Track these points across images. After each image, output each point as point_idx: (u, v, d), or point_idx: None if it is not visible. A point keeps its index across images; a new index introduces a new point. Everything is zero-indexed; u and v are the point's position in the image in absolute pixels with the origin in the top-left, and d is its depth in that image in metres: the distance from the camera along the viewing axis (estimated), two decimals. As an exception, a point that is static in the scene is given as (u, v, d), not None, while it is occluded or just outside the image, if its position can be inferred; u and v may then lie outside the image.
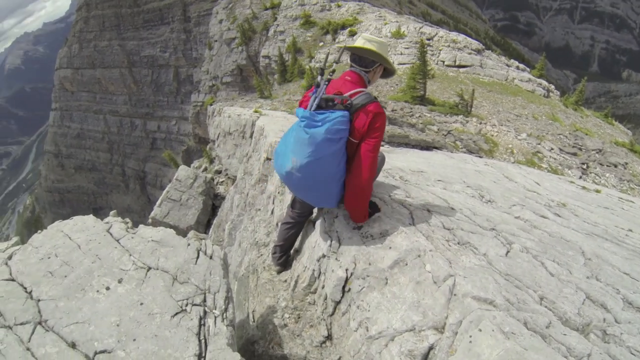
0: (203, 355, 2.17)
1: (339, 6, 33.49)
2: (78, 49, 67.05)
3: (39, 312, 2.24)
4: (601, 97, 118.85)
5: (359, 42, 2.57)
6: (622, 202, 5.37)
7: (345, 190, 2.58)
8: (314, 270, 2.93)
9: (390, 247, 2.50)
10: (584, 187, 5.94)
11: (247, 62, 38.06)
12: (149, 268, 2.65)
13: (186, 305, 2.44)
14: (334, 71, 2.56)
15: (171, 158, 15.57)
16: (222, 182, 12.54)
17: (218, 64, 43.23)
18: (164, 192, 12.19)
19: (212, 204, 11.81)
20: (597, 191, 5.77)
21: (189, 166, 13.72)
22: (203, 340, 2.26)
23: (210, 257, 2.88)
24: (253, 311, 3.80)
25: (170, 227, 11.42)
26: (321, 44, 28.69)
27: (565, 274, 2.35)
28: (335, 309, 2.61)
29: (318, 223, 3.16)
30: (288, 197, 4.03)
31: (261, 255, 4.19)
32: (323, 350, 2.61)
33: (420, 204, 3.12)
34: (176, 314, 2.35)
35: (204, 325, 2.34)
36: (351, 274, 2.54)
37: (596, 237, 3.28)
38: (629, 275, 2.48)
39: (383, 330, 2.12)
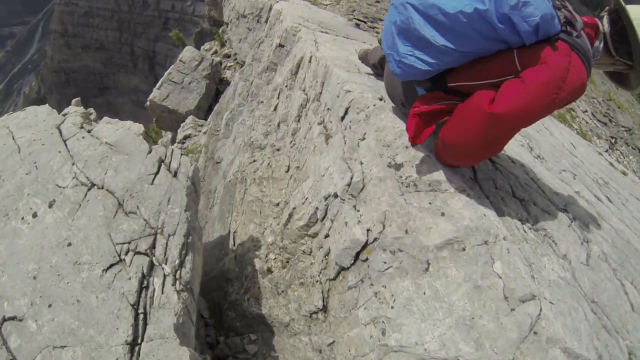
0: (138, 341, 1.42)
1: None
2: None
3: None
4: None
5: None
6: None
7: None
8: (317, 208, 1.98)
9: (443, 214, 1.52)
10: (611, 164, 5.26)
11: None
12: (92, 185, 1.83)
13: (126, 252, 1.61)
14: None
15: (179, 38, 14.13)
16: (230, 66, 11.58)
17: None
18: (165, 73, 11.37)
19: (217, 88, 10.99)
20: (624, 173, 5.16)
21: (199, 49, 12.72)
22: (142, 316, 1.47)
23: (175, 175, 1.97)
24: (235, 232, 3.07)
25: (169, 111, 10.85)
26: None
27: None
28: (338, 274, 1.78)
29: (335, 139, 2.18)
30: (297, 93, 3.32)
31: (254, 160, 3.34)
32: (312, 323, 1.90)
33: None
34: (111, 266, 1.56)
35: (147, 288, 1.54)
36: (374, 239, 1.61)
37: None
38: None
39: (407, 346, 1.38)
